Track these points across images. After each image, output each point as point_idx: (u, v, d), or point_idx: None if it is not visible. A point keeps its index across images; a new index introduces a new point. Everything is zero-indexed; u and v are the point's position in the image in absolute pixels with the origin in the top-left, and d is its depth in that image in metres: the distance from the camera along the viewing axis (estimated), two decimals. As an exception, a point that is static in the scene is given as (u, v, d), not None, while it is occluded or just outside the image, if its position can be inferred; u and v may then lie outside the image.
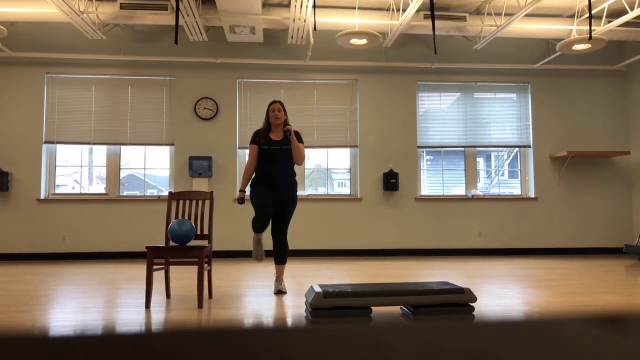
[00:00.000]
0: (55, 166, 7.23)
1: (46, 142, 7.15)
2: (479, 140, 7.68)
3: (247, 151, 7.37)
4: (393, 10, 6.67)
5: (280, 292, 4.07)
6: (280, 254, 4.09)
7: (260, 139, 4.10)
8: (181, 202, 7.13)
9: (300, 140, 4.14)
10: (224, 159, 7.28)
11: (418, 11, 6.58)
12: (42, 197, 7.05)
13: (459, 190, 7.72)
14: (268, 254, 7.11)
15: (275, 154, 4.04)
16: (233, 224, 7.23)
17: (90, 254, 7.03)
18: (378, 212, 7.41)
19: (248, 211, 7.25)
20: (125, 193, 7.34)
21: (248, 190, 4.09)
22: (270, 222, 4.09)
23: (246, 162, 4.20)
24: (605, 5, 6.33)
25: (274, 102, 4.12)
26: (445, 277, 5.06)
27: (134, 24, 7.10)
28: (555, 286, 4.41)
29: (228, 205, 7.26)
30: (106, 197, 7.19)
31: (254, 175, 4.14)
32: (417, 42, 7.64)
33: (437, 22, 6.62)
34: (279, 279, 4.13)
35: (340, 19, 6.55)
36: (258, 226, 3.96)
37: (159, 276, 5.08)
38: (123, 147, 7.31)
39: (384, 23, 6.67)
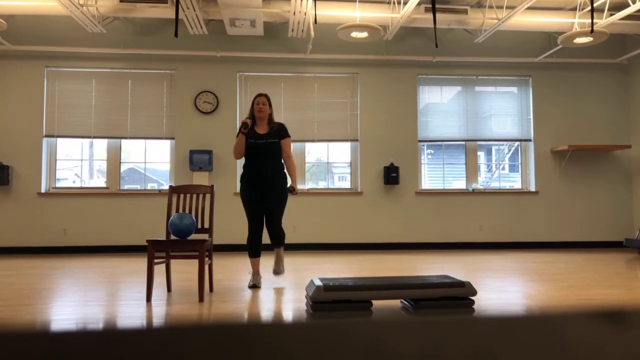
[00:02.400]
0: (56, 160, 7.23)
1: (46, 136, 7.15)
2: (480, 134, 7.67)
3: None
4: (394, 3, 6.64)
5: (277, 273, 4.13)
6: (277, 239, 4.12)
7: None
8: (181, 195, 7.13)
9: (286, 134, 4.13)
10: (224, 153, 7.28)
11: (419, 4, 6.55)
12: (43, 190, 7.05)
13: (460, 183, 7.72)
14: (266, 247, 7.13)
15: (261, 146, 4.02)
16: (233, 217, 7.24)
17: (91, 248, 7.04)
18: (378, 206, 7.42)
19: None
20: (126, 187, 7.34)
21: (238, 185, 4.11)
22: (265, 215, 4.13)
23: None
24: (607, -2, 6.29)
25: (259, 95, 4.09)
26: (445, 270, 5.07)
27: (133, 17, 7.08)
28: (555, 280, 4.42)
29: (228, 198, 7.26)
30: (106, 191, 7.19)
31: (243, 169, 4.13)
32: (417, 35, 7.61)
33: (438, 15, 6.59)
34: (279, 260, 4.17)
35: (340, 11, 6.52)
36: (253, 248, 4.08)
37: (159, 270, 5.09)
38: (123, 141, 7.30)
39: (384, 16, 6.64)
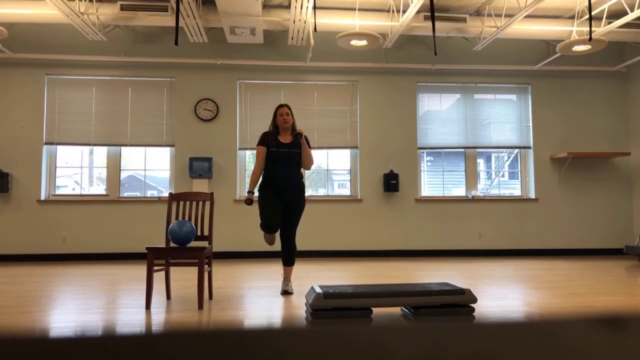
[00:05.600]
0: (56, 167, 7.23)
1: (46, 143, 7.15)
2: (479, 141, 7.69)
3: (247, 152, 7.38)
4: (393, 11, 6.67)
5: (285, 292, 4.09)
6: (288, 256, 4.11)
7: (268, 141, 4.11)
8: (181, 203, 7.13)
9: (308, 144, 4.17)
10: (224, 160, 7.28)
11: (418, 12, 6.58)
12: (42, 198, 7.04)
13: (459, 191, 7.72)
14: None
15: (284, 156, 4.05)
16: (233, 225, 7.23)
17: (91, 255, 7.03)
18: (378, 213, 7.41)
19: (248, 212, 7.25)
20: (126, 194, 7.34)
21: (256, 191, 4.11)
22: (281, 223, 4.13)
23: (252, 165, 4.20)
24: (605, 6, 6.34)
25: (282, 106, 4.12)
26: (445, 277, 5.06)
27: (134, 25, 7.11)
28: (555, 287, 4.41)
29: (228, 206, 7.26)
30: (106, 198, 7.19)
31: (262, 178, 4.14)
32: (417, 43, 7.64)
33: (437, 23, 6.62)
34: (286, 279, 4.15)
35: (340, 20, 6.55)
36: (267, 231, 4.03)
37: (159, 277, 5.08)
38: (123, 148, 7.31)
39: (384, 24, 6.67)
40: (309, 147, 4.16)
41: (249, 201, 3.98)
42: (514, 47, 7.76)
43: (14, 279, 5.03)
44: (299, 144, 4.10)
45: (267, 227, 3.95)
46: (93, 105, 7.24)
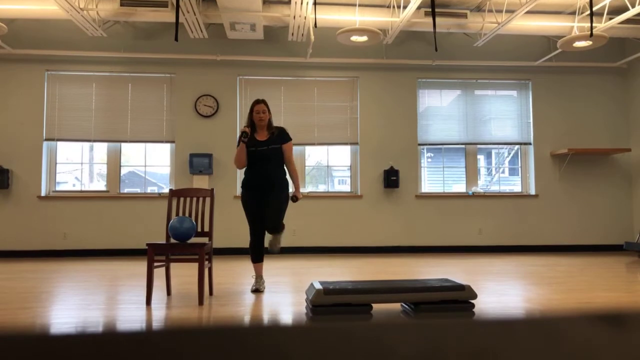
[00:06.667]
0: (56, 163, 7.24)
1: (46, 139, 7.15)
2: (480, 137, 7.68)
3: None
4: (393, 7, 6.66)
5: (272, 246, 4.00)
6: (275, 230, 3.99)
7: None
8: (181, 199, 7.12)
9: (288, 138, 4.07)
10: (224, 156, 7.28)
11: (418, 8, 6.56)
12: (43, 194, 7.05)
13: (460, 187, 7.72)
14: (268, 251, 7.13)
15: (262, 154, 3.98)
16: (233, 221, 7.23)
17: (91, 251, 7.03)
18: (378, 209, 7.41)
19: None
20: (126, 190, 7.34)
21: (238, 188, 4.08)
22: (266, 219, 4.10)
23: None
24: (606, 2, 6.32)
25: (258, 103, 4.01)
26: (445, 274, 5.06)
27: (134, 21, 7.10)
28: (555, 283, 4.41)
29: (228, 202, 7.26)
30: (106, 194, 7.19)
31: (244, 176, 4.10)
32: (417, 39, 7.63)
33: (437, 19, 6.60)
34: (276, 240, 4.04)
35: (340, 15, 6.54)
36: (255, 253, 4.05)
37: (159, 273, 5.09)
38: (123, 144, 7.31)
39: (384, 20, 6.65)
40: (289, 139, 4.07)
41: (244, 135, 3.89)
42: (515, 43, 7.75)
43: (15, 275, 5.04)
44: (276, 139, 4.01)
45: (254, 240, 4.02)
46: (93, 102, 7.24)
